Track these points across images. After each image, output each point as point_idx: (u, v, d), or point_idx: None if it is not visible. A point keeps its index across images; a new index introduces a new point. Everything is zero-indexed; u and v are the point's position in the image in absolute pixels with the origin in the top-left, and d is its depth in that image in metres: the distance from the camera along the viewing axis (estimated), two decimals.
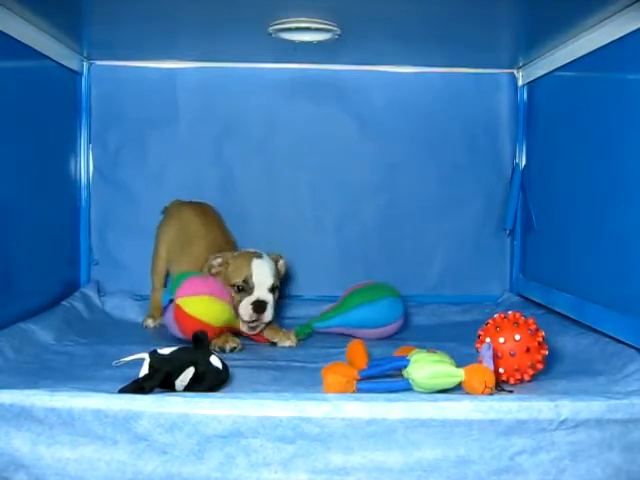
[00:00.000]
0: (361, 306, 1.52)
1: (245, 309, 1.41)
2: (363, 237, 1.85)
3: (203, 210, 1.70)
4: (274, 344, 1.44)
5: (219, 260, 1.47)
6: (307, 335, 1.51)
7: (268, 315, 1.42)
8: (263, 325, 1.45)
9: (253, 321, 1.42)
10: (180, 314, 1.35)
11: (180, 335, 1.36)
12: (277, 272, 1.49)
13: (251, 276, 1.42)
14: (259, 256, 1.47)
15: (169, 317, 1.39)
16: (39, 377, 1.09)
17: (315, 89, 1.83)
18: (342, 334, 1.54)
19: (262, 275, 1.43)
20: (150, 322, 1.62)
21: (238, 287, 1.42)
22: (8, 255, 1.33)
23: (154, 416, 0.86)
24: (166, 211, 1.73)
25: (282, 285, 1.57)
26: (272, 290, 1.44)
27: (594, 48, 1.37)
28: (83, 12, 1.38)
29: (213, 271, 1.46)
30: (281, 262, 1.54)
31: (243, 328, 1.44)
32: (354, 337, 1.42)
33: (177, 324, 1.36)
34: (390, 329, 1.53)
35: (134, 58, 1.77)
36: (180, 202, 1.72)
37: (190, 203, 1.72)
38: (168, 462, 0.86)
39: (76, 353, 1.30)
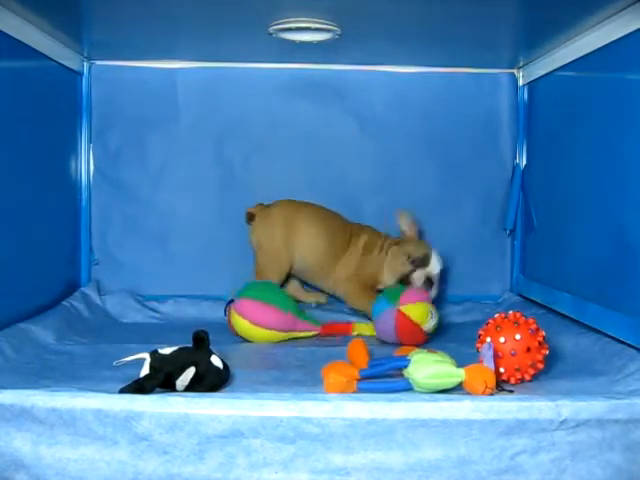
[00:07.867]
0: None
1: (419, 279, 1.59)
2: None
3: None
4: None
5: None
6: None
7: (433, 292, 1.60)
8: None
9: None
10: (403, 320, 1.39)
11: (394, 340, 1.40)
12: None
13: (431, 256, 1.61)
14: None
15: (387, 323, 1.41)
16: (39, 377, 1.09)
17: (315, 89, 1.83)
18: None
19: (437, 261, 1.62)
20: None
21: (414, 260, 1.59)
22: (8, 255, 1.33)
23: (155, 416, 0.86)
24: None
25: None
26: (437, 276, 1.62)
27: (594, 48, 1.37)
28: (83, 12, 1.38)
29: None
30: None
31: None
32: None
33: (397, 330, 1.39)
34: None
35: (134, 58, 1.77)
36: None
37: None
38: (168, 462, 0.87)
39: (76, 353, 1.30)
